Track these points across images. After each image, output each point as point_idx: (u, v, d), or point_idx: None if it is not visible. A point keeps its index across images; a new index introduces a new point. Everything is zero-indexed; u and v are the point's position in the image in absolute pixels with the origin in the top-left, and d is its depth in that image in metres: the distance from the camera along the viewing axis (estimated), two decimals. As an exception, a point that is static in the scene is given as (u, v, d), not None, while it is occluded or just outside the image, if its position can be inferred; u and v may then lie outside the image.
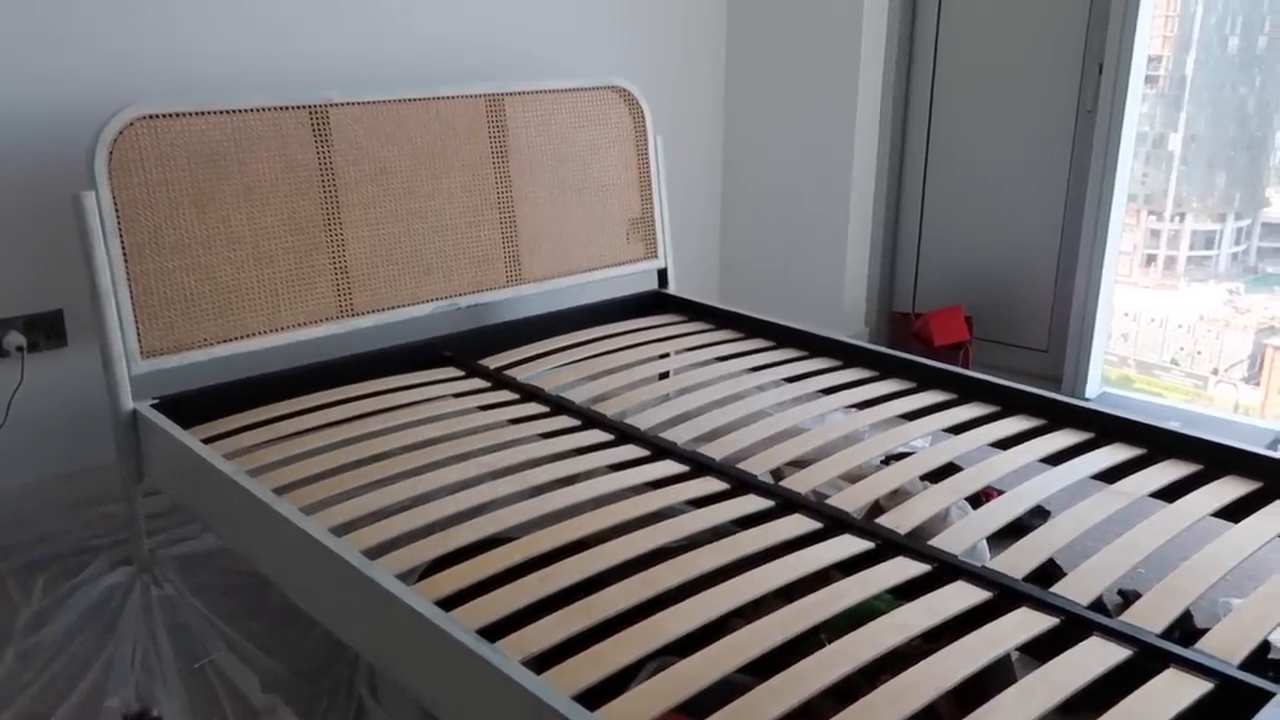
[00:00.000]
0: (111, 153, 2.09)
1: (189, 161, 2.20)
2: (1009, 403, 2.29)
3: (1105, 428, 2.14)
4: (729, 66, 3.72)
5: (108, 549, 2.31)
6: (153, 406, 2.15)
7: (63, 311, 2.43)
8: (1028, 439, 2.13)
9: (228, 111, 2.25)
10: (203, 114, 2.21)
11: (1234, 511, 1.85)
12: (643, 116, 2.98)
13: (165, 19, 2.46)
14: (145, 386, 2.23)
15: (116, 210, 2.10)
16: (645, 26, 3.44)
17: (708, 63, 3.67)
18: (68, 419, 2.49)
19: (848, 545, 1.71)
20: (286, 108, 2.33)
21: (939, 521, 1.93)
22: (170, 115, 2.17)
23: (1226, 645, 1.43)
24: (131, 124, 2.11)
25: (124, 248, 2.12)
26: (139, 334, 2.15)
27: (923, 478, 2.15)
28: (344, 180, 2.43)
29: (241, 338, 2.30)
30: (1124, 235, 3.30)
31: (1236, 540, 1.71)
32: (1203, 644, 1.43)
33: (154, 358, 2.17)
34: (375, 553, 1.64)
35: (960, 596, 1.56)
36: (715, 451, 2.07)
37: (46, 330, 2.41)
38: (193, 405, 2.20)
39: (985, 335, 3.53)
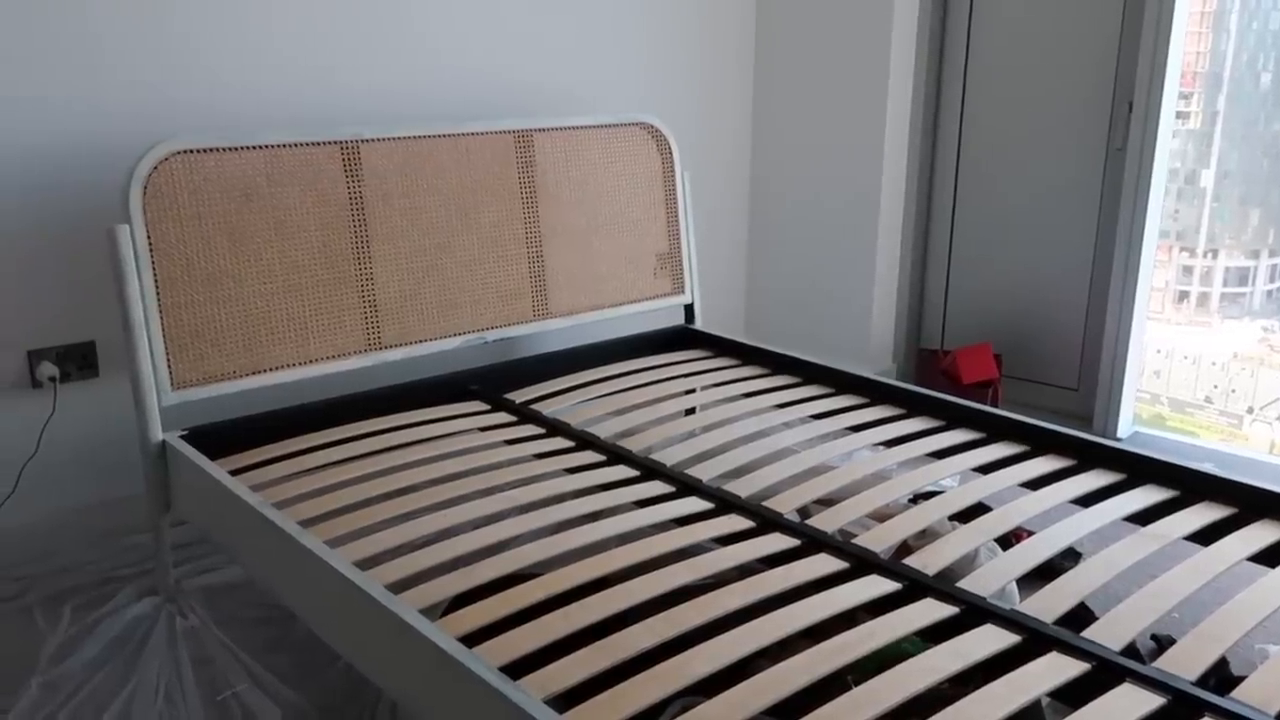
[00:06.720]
0: (146, 188, 2.12)
1: (222, 196, 2.23)
2: (1039, 442, 2.26)
3: (1137, 469, 2.11)
4: (756, 102, 3.73)
5: (134, 579, 2.32)
6: (181, 437, 2.17)
7: (95, 343, 2.46)
8: (1058, 479, 2.11)
9: (260, 147, 2.28)
10: (236, 149, 2.24)
11: (1271, 556, 1.82)
12: (670, 152, 2.99)
13: (198, 55, 2.50)
14: (175, 418, 2.25)
15: (150, 244, 2.13)
16: (673, 63, 3.46)
17: (735, 99, 3.69)
18: (97, 449, 2.51)
19: (875, 586, 1.69)
20: (318, 143, 2.36)
21: (968, 563, 1.91)
22: (204, 150, 2.20)
23: (1264, 694, 1.40)
24: (166, 159, 2.14)
25: (156, 281, 2.14)
26: (170, 366, 2.17)
27: (951, 518, 2.12)
28: (373, 215, 2.45)
29: (270, 370, 2.31)
30: (1156, 272, 3.27)
31: (1273, 585, 1.67)
32: (1239, 692, 1.40)
33: (184, 389, 2.19)
34: (399, 587, 1.64)
35: (989, 640, 1.53)
36: (741, 489, 2.06)
37: (79, 361, 2.44)
38: (221, 437, 2.21)
39: (1014, 373, 3.50)
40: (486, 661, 1.41)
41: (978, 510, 2.01)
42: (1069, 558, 2.29)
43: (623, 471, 2.15)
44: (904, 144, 3.54)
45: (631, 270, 2.95)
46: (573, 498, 2.01)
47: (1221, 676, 1.81)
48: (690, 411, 2.58)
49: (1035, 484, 2.11)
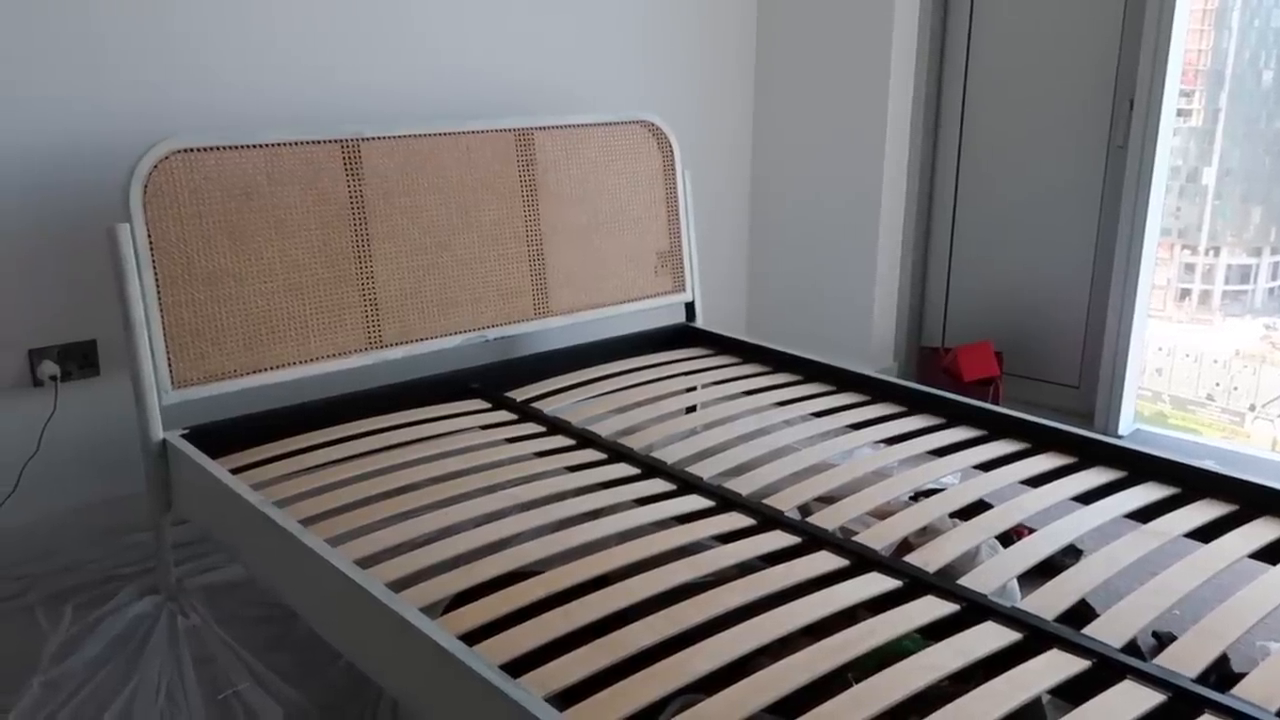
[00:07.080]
0: (146, 186, 2.12)
1: (222, 195, 2.23)
2: (1039, 439, 2.26)
3: (1138, 466, 2.11)
4: (756, 101, 3.73)
5: (135, 578, 2.32)
6: (182, 436, 2.17)
7: (96, 341, 2.46)
8: (1059, 476, 2.10)
9: (260, 145, 2.28)
10: (236, 148, 2.24)
11: (1272, 553, 1.81)
12: (671, 151, 2.99)
13: (199, 55, 2.50)
14: (175, 416, 2.25)
15: (150, 243, 2.13)
16: (673, 62, 3.46)
17: (735, 97, 3.69)
18: (98, 448, 2.51)
19: (875, 583, 1.68)
20: (318, 141, 2.36)
21: (968, 560, 1.91)
22: (204, 149, 2.20)
23: (1264, 691, 1.40)
24: (166, 158, 2.14)
25: (157, 279, 2.14)
26: (170, 364, 2.17)
27: (952, 515, 2.12)
28: (374, 213, 2.45)
29: (271, 369, 2.31)
30: (1157, 270, 3.27)
31: (1274, 582, 1.67)
32: (1240, 689, 1.40)
33: (184, 388, 2.19)
34: (400, 585, 1.64)
35: (990, 637, 1.53)
36: (742, 486, 2.06)
37: (80, 360, 2.44)
38: (222, 435, 2.22)
39: (1015, 371, 3.50)
40: (487, 659, 1.41)
41: (978, 507, 2.01)
42: (1070, 555, 2.29)
43: (623, 469, 2.15)
44: (905, 142, 3.53)
45: (632, 268, 2.95)
46: (573, 496, 2.01)
47: (1222, 673, 1.81)
48: (691, 409, 2.58)
49: (1036, 481, 2.11)
